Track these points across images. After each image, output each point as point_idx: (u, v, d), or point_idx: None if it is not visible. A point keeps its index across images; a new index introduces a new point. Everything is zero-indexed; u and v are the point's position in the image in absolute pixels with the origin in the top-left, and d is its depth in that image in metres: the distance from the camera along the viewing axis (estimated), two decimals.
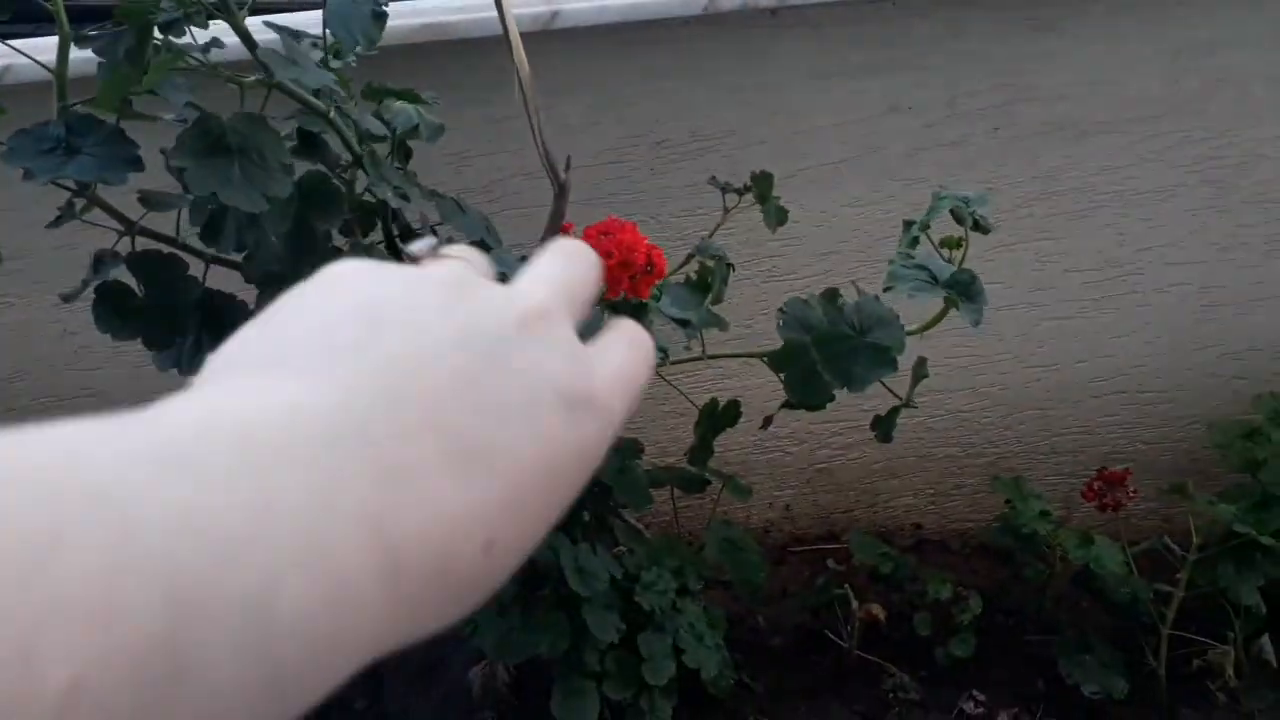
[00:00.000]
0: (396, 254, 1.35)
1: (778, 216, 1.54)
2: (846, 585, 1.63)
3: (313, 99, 1.11)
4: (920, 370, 1.37)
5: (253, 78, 1.08)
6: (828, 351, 1.20)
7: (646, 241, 1.00)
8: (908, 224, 1.31)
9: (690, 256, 1.55)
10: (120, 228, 1.20)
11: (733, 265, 1.47)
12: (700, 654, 1.38)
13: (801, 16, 1.64)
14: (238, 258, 1.19)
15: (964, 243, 1.28)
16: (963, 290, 1.17)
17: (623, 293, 1.00)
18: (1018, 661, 1.70)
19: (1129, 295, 1.87)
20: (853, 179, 1.78)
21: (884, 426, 1.39)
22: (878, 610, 1.69)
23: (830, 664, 1.69)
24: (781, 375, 1.27)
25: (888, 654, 1.67)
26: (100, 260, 1.17)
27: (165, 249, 1.22)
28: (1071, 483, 2.01)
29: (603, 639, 1.26)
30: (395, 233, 1.36)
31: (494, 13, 1.64)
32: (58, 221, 1.16)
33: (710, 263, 1.45)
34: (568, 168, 1.45)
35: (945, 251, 1.29)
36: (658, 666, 1.33)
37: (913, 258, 1.21)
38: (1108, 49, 1.69)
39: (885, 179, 1.78)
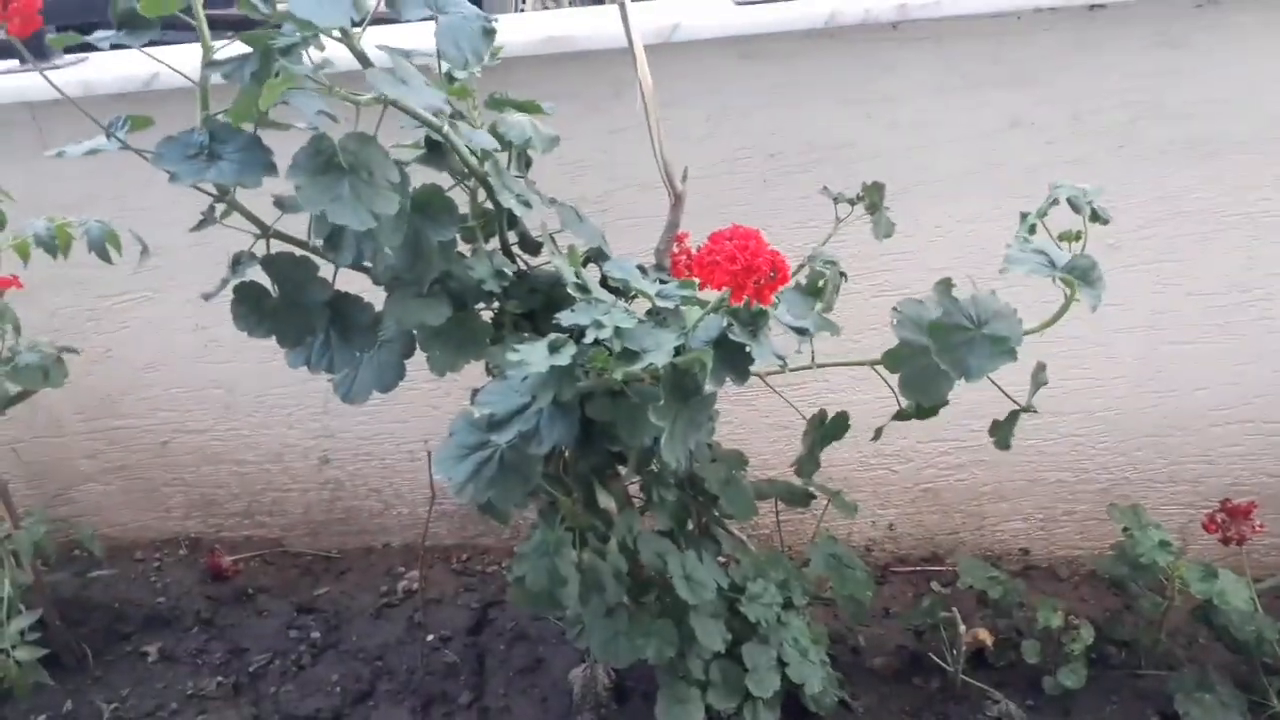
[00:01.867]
0: (513, 259, 1.38)
1: (886, 228, 1.53)
2: (954, 609, 1.60)
3: (427, 115, 1.15)
4: (1040, 375, 1.34)
5: (368, 96, 1.11)
6: (944, 342, 1.17)
7: (770, 248, 1.00)
8: (1024, 214, 1.29)
9: (801, 266, 1.55)
10: (256, 230, 1.26)
11: (845, 274, 1.46)
12: (804, 669, 1.37)
13: (923, 30, 1.63)
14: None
15: (1083, 235, 1.25)
16: (1081, 275, 1.14)
17: (745, 298, 1.00)
18: (1129, 696, 1.64)
19: (1257, 322, 1.80)
20: (970, 194, 1.75)
21: (1003, 432, 1.36)
22: (985, 635, 1.66)
23: (933, 687, 1.65)
24: (896, 376, 1.26)
25: (993, 680, 1.63)
26: (238, 261, 1.22)
27: (297, 251, 1.27)
28: (1189, 514, 1.93)
29: (709, 648, 1.27)
30: (514, 240, 1.39)
31: (614, 26, 1.68)
32: (200, 224, 1.22)
33: (823, 269, 1.45)
34: (684, 178, 1.47)
35: (1064, 245, 1.26)
36: (763, 679, 1.32)
37: (1030, 243, 1.19)
38: (1244, 66, 1.63)
39: (1004, 195, 1.74)
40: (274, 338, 1.25)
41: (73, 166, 1.72)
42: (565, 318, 1.14)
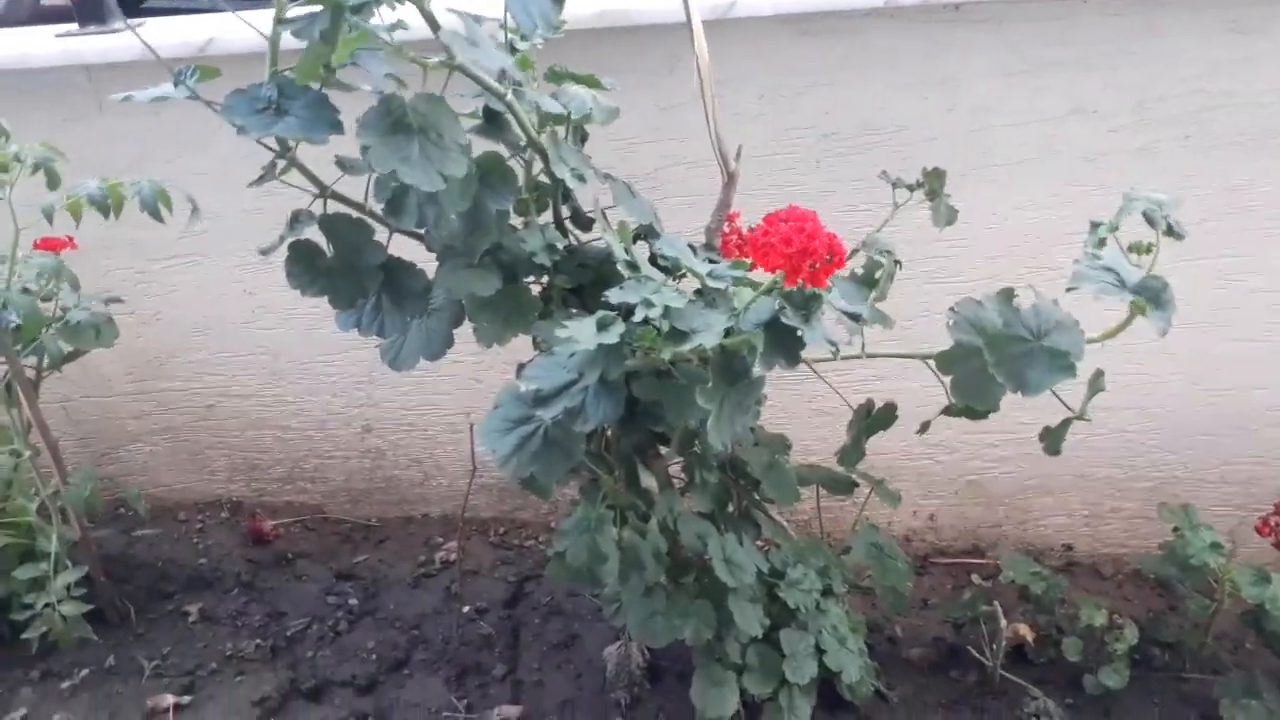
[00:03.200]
0: (565, 234, 1.37)
1: (947, 216, 1.50)
2: (995, 602, 1.57)
3: (492, 82, 1.13)
4: (1097, 383, 1.31)
5: (435, 59, 1.10)
6: (1001, 353, 1.15)
7: (827, 231, 0.98)
8: (1094, 224, 1.26)
9: (855, 252, 1.52)
10: (314, 190, 1.26)
11: (900, 262, 1.43)
12: (842, 657, 1.35)
13: (985, 11, 1.59)
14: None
15: (1155, 249, 1.22)
16: (1152, 296, 1.11)
17: (800, 281, 0.98)
18: (1173, 699, 1.61)
19: None
20: (1028, 181, 1.71)
21: (1053, 439, 1.33)
22: (1025, 631, 1.63)
23: (971, 681, 1.63)
24: (948, 377, 1.24)
25: (1032, 677, 1.61)
26: (296, 219, 1.23)
27: (354, 213, 1.27)
28: (1240, 515, 1.89)
29: (747, 631, 1.26)
30: (566, 214, 1.38)
31: (668, 1, 1.65)
32: (261, 179, 1.22)
33: (879, 257, 1.42)
34: (738, 157, 1.44)
35: (1133, 256, 1.23)
36: (800, 665, 1.31)
37: (1099, 259, 1.16)
38: None
39: (1063, 183, 1.70)
40: (326, 298, 1.26)
41: (127, 128, 1.75)
42: (614, 295, 1.12)
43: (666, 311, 1.02)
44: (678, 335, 1.02)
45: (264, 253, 1.21)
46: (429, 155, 1.03)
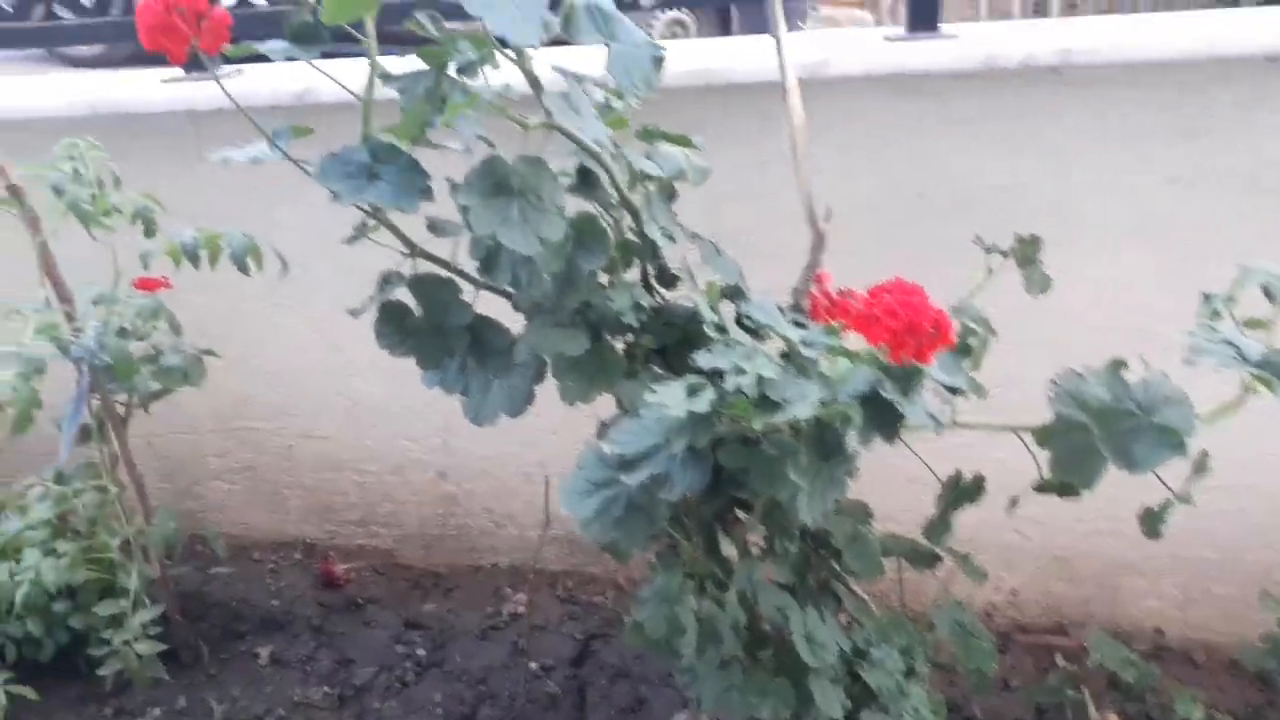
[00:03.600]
0: (651, 291, 1.36)
1: (1041, 283, 1.46)
2: (1084, 689, 1.50)
3: (590, 143, 1.13)
4: (1203, 464, 1.25)
5: (536, 120, 1.11)
6: (1109, 428, 1.10)
7: (933, 306, 0.95)
8: (1207, 296, 1.21)
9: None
10: (404, 249, 1.27)
11: (994, 331, 1.39)
12: None
13: (1087, 76, 1.55)
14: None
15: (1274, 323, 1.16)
16: (1276, 372, 1.05)
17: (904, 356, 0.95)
18: None
19: None
20: (1127, 250, 1.66)
21: (1153, 522, 1.27)
22: None
23: None
24: (1047, 452, 1.19)
25: None
26: (387, 280, 1.23)
27: (442, 272, 1.28)
28: None
29: (828, 714, 1.21)
30: (651, 271, 1.37)
31: (759, 61, 1.65)
32: (353, 238, 1.23)
33: (973, 325, 1.38)
34: (827, 218, 1.42)
35: (1246, 330, 1.17)
36: None
37: (1217, 332, 1.11)
38: None
39: (1165, 253, 1.65)
40: (415, 358, 1.26)
41: (225, 175, 1.78)
42: (704, 359, 1.11)
43: (759, 380, 0.99)
44: (770, 404, 1.00)
45: (354, 314, 1.22)
46: (528, 218, 1.03)
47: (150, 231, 1.42)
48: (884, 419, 0.98)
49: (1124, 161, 1.60)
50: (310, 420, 1.99)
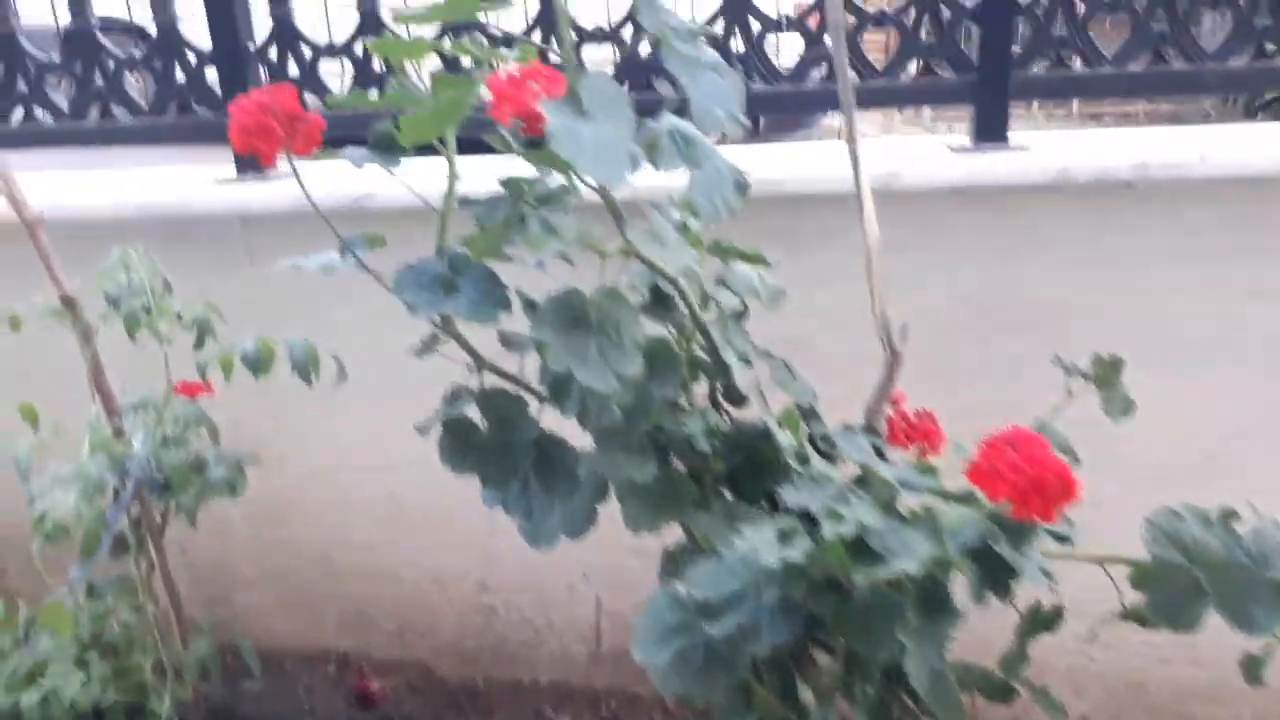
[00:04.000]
0: (719, 410, 1.30)
1: (1122, 407, 1.40)
2: None
3: (669, 270, 1.09)
4: None
5: (615, 246, 1.07)
6: (1219, 582, 1.03)
7: (1058, 460, 0.88)
8: None
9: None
10: (470, 362, 1.22)
11: (1078, 458, 1.33)
12: None
13: (1160, 190, 1.51)
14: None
15: None
16: None
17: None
18: None
19: None
20: (1204, 369, 1.60)
21: (1255, 668, 1.19)
22: None
23: None
24: (1142, 593, 1.12)
25: None
26: (456, 396, 1.19)
27: (508, 386, 1.23)
28: None
29: None
30: (720, 391, 1.32)
31: (821, 172, 1.62)
32: (421, 352, 1.19)
33: (1060, 455, 1.32)
34: (904, 337, 1.37)
35: None
36: None
37: None
38: None
39: (1241, 370, 1.59)
40: (479, 477, 1.20)
41: (273, 277, 1.76)
42: (789, 495, 1.05)
43: (861, 528, 0.93)
44: (871, 555, 0.93)
45: (421, 431, 1.17)
46: (606, 355, 0.98)
47: (202, 341, 1.38)
48: (998, 576, 0.91)
49: (1198, 276, 1.55)
50: (349, 526, 1.93)
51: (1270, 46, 1.50)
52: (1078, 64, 1.57)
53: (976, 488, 0.87)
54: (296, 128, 0.99)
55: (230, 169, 1.78)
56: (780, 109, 1.57)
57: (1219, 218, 1.52)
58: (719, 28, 1.61)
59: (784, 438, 1.16)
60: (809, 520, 1.18)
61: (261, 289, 1.74)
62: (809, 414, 1.30)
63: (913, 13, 1.53)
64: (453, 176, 1.12)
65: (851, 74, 1.59)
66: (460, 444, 1.18)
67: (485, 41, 1.57)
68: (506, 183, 1.04)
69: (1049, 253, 1.57)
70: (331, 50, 1.62)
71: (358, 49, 1.63)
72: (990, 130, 1.56)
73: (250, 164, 1.72)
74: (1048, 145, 1.57)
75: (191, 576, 2.00)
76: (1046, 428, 1.36)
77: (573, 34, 1.61)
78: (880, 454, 1.33)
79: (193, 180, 1.77)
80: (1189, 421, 1.61)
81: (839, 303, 1.59)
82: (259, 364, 1.34)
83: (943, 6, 1.53)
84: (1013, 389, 1.64)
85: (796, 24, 1.58)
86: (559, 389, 1.09)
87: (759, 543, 0.96)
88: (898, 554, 0.92)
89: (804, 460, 1.14)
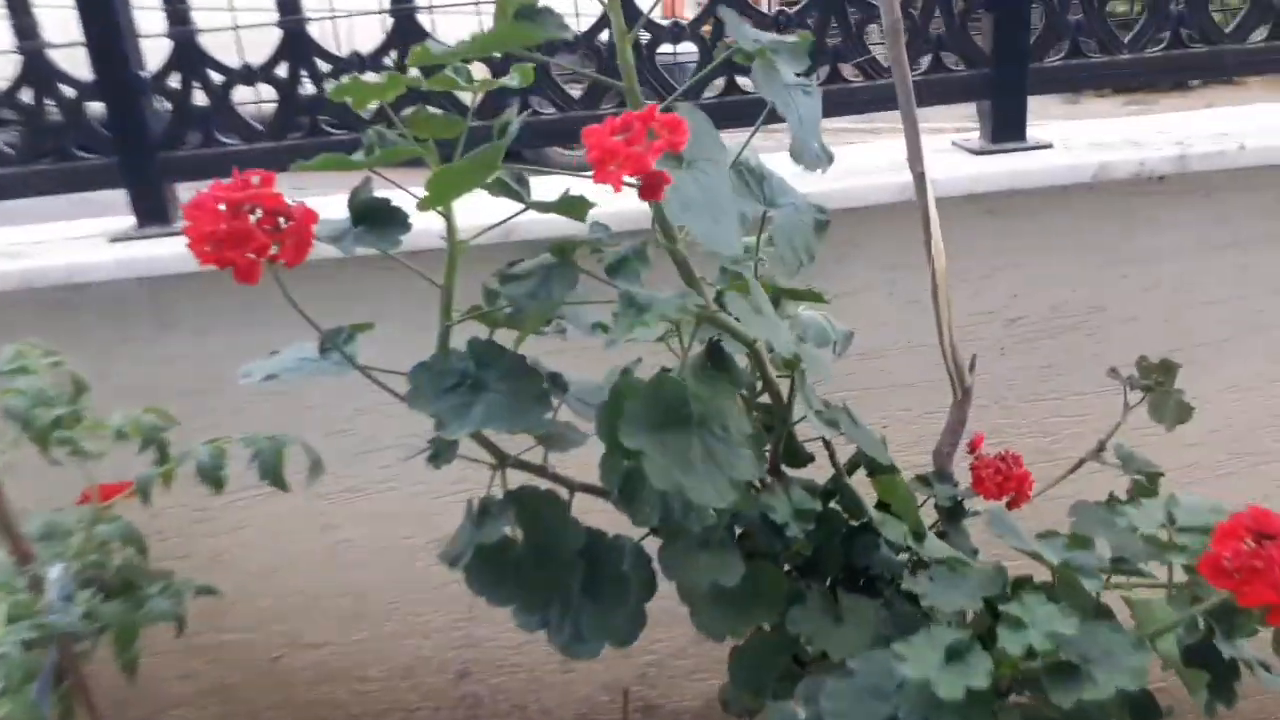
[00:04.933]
0: (779, 476, 1.12)
1: (1177, 413, 1.29)
2: None
3: (745, 333, 0.90)
4: None
5: (693, 306, 0.87)
6: None
7: None
8: None
9: (1081, 463, 1.30)
10: (491, 460, 1.00)
11: (1161, 473, 1.22)
12: None
13: (1193, 183, 1.41)
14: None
15: None
16: None
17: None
18: None
19: None
20: (1231, 361, 1.51)
21: None
22: None
23: None
24: None
25: None
26: (486, 511, 0.96)
27: (539, 481, 1.01)
28: None
29: None
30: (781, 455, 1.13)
31: (845, 183, 1.44)
32: (436, 459, 0.95)
33: (1141, 478, 1.20)
34: (972, 369, 1.22)
35: None
36: None
37: None
38: None
39: (1271, 362, 1.51)
40: (517, 604, 0.98)
41: (195, 347, 1.47)
42: (931, 593, 0.88)
43: (1052, 638, 0.76)
44: (1065, 669, 0.76)
45: (452, 561, 0.94)
46: (715, 457, 0.78)
47: (164, 459, 1.10)
48: (1221, 681, 0.76)
49: (1226, 268, 1.46)
50: (301, 623, 1.65)
51: None
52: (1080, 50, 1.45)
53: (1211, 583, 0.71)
54: (283, 229, 0.74)
55: (127, 220, 1.47)
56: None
57: (1250, 208, 1.43)
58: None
59: (895, 534, 0.99)
60: (912, 601, 1.02)
61: (183, 361, 1.45)
62: (876, 467, 1.13)
63: (920, 3, 1.38)
64: (454, 249, 0.89)
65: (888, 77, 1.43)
66: (495, 565, 0.96)
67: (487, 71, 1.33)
68: (560, 248, 0.82)
69: (1077, 255, 1.46)
70: (249, 75, 1.35)
71: (281, 71, 1.35)
72: (1009, 128, 1.43)
73: (154, 211, 1.43)
74: (1069, 139, 1.45)
75: (112, 700, 1.69)
76: (1125, 452, 1.24)
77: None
78: (960, 506, 1.18)
79: (85, 240, 1.46)
80: (1215, 415, 1.52)
81: (867, 328, 1.43)
82: (216, 476, 1.07)
83: None
84: (1038, 396, 1.53)
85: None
86: (631, 491, 0.88)
87: (920, 662, 0.78)
88: (1100, 665, 0.76)
89: (919, 537, 0.97)
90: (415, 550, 1.59)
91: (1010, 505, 1.15)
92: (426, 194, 0.77)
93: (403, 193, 0.93)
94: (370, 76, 1.23)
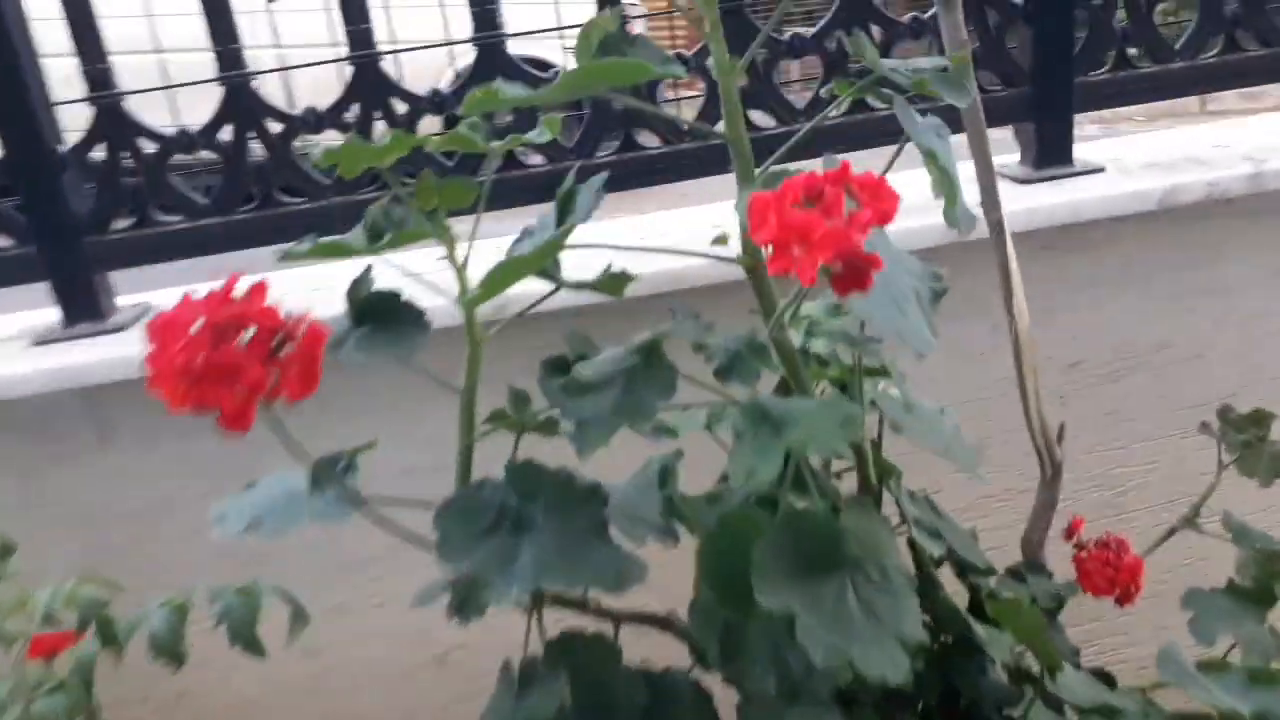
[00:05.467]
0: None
1: (1271, 467, 1.14)
2: None
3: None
4: None
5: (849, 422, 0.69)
6: None
7: None
8: None
9: (1172, 532, 1.15)
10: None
11: None
12: None
13: (1262, 203, 1.27)
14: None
15: None
16: None
17: None
18: None
19: None
20: None
21: None
22: None
23: None
24: None
25: None
26: (528, 676, 0.77)
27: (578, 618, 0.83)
28: None
29: None
30: None
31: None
32: (464, 611, 0.75)
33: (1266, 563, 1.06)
34: (1061, 438, 1.06)
35: None
36: None
37: None
38: None
39: None
40: None
41: (144, 463, 1.26)
42: None
43: None
44: None
45: None
46: (876, 609, 0.60)
47: (110, 636, 0.89)
48: None
49: None
50: None
51: None
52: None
53: None
54: (283, 354, 0.55)
55: (52, 314, 1.25)
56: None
57: None
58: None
59: (999, 645, 0.82)
60: None
61: (131, 480, 1.24)
62: (970, 568, 0.96)
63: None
64: (477, 346, 0.72)
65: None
66: None
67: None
68: (646, 349, 0.64)
69: (1139, 291, 1.30)
70: (188, 142, 1.14)
71: (225, 135, 1.15)
72: (1054, 152, 1.27)
73: (84, 306, 1.22)
74: (1120, 159, 1.30)
75: None
76: (1237, 525, 1.09)
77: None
78: (1061, 604, 1.02)
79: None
80: None
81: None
82: (174, 649, 0.87)
83: (988, 8, 1.22)
84: (1101, 446, 1.38)
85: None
86: (733, 649, 0.70)
87: None
88: None
89: (1055, 669, 0.80)
90: (413, 671, 1.38)
91: (1120, 601, 0.99)
92: (479, 290, 0.58)
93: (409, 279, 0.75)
94: (332, 137, 1.04)
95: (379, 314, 0.68)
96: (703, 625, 0.70)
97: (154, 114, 1.20)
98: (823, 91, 1.19)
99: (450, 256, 0.74)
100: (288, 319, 0.56)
